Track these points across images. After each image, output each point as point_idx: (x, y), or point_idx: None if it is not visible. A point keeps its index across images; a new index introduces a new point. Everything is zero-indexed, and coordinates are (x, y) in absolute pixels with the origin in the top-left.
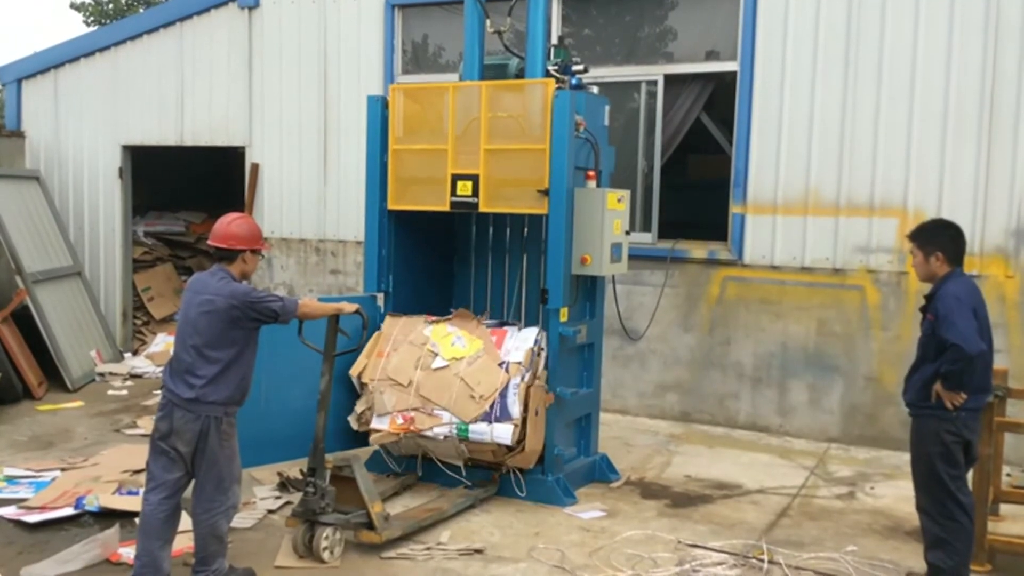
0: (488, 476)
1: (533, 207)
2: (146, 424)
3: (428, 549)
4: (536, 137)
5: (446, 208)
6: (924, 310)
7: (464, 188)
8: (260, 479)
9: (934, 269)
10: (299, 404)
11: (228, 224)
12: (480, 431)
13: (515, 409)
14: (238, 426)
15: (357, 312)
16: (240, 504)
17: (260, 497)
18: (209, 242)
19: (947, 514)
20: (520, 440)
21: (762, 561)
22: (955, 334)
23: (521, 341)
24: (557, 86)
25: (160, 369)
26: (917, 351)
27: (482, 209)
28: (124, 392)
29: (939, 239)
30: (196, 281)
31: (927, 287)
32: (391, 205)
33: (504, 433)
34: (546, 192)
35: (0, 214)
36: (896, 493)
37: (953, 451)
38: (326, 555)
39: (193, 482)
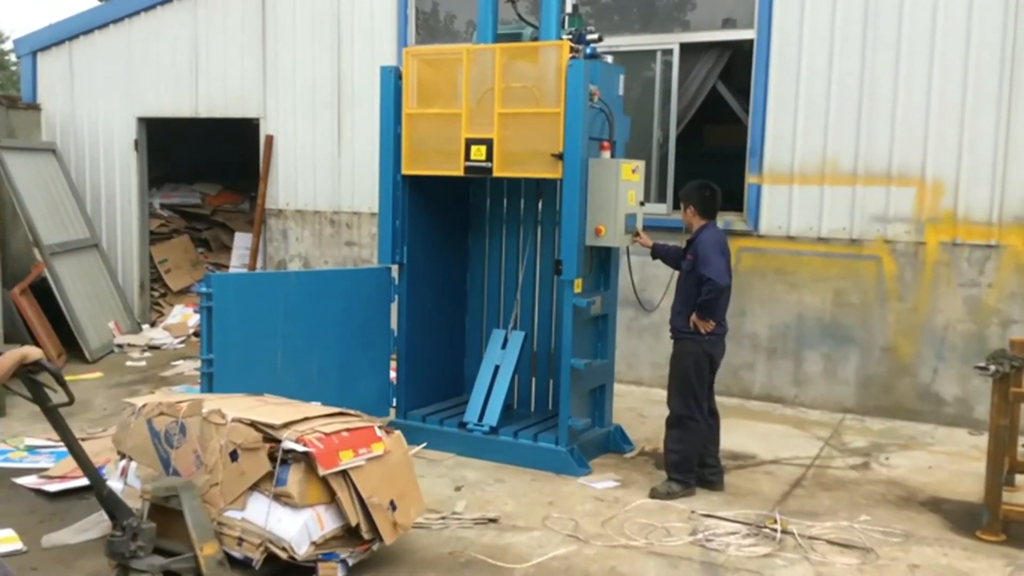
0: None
1: (547, 171)
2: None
3: (443, 518)
4: (551, 101)
5: (460, 173)
6: (684, 252)
7: (478, 153)
8: None
9: (690, 220)
10: (315, 373)
11: None
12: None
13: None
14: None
15: (38, 365)
16: None
17: None
18: None
19: (689, 409)
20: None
21: (775, 531)
22: (710, 270)
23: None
24: (571, 55)
25: (178, 340)
26: (679, 288)
27: (496, 174)
28: (142, 363)
29: (692, 197)
30: None
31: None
32: (405, 170)
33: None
34: (560, 156)
35: (18, 187)
36: (911, 464)
37: (702, 365)
38: None
39: None
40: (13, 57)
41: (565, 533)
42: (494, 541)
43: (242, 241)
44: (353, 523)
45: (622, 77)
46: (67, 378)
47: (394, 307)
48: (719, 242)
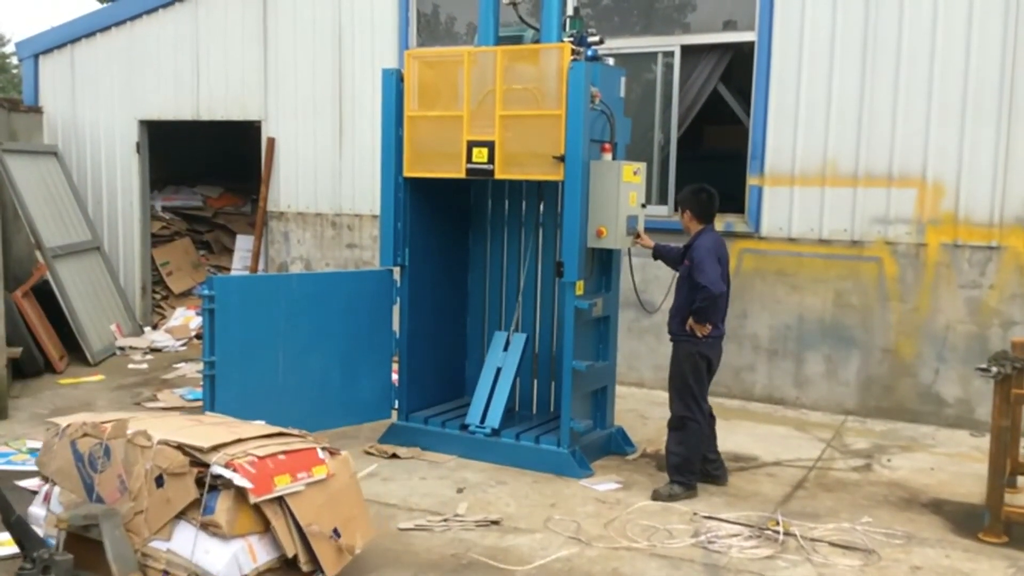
0: None
1: (548, 174)
2: (166, 397)
3: (445, 520)
4: (552, 103)
5: (462, 175)
6: (682, 256)
7: (480, 155)
8: None
9: (687, 224)
10: (317, 376)
11: None
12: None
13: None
14: (256, 399)
15: None
16: None
17: None
18: None
19: (690, 410)
20: None
21: (777, 533)
22: (704, 278)
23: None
24: (572, 57)
25: (180, 343)
26: (677, 291)
27: (497, 176)
28: (144, 366)
29: (689, 201)
30: None
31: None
32: (407, 172)
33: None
34: (562, 158)
35: (20, 189)
36: (912, 465)
37: (700, 367)
38: None
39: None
40: (15, 60)
41: (567, 535)
42: (496, 543)
43: (244, 243)
44: (290, 554)
45: (623, 79)
46: (69, 380)
47: (396, 309)
48: (715, 248)
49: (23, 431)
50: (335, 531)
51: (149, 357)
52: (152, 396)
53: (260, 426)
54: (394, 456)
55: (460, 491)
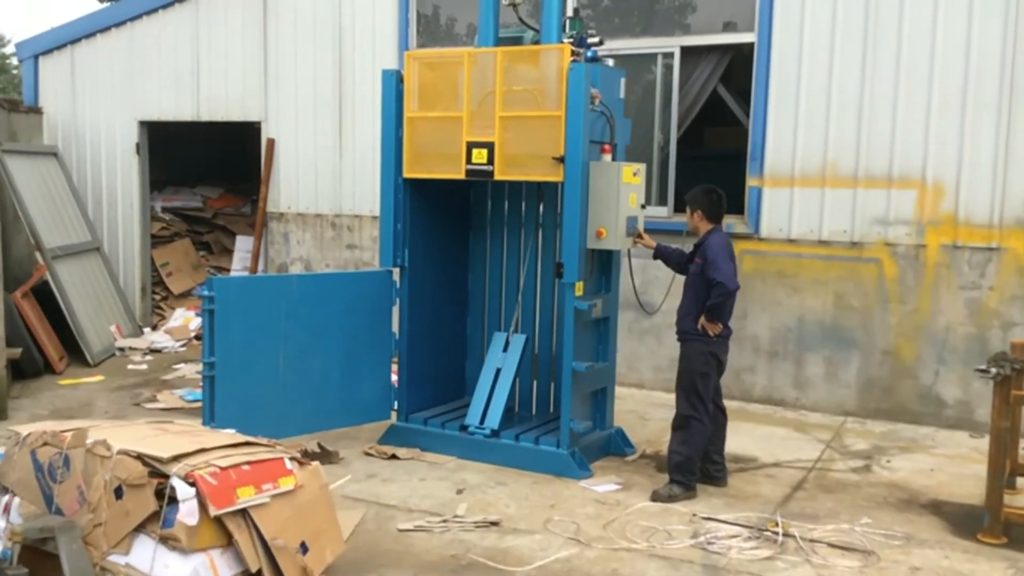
0: None
1: (548, 175)
2: (166, 398)
3: (445, 521)
4: (552, 104)
5: (461, 176)
6: (692, 256)
7: (479, 156)
8: None
9: (697, 224)
10: (317, 377)
11: None
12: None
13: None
14: (256, 400)
15: None
16: None
17: None
18: None
19: (695, 409)
20: None
21: (776, 534)
22: (719, 274)
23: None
24: (572, 58)
25: (180, 344)
26: (687, 291)
27: (497, 177)
28: (144, 366)
29: (700, 201)
30: None
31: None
32: (406, 173)
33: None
34: (561, 159)
35: (19, 190)
36: (912, 466)
37: (710, 367)
38: None
39: None
40: (15, 60)
41: (566, 536)
42: (495, 544)
43: (243, 244)
44: (253, 569)
45: (623, 80)
46: (69, 381)
47: (395, 310)
48: (727, 246)
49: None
50: (303, 545)
51: (149, 358)
52: (152, 397)
53: (227, 435)
54: (394, 457)
55: (460, 492)
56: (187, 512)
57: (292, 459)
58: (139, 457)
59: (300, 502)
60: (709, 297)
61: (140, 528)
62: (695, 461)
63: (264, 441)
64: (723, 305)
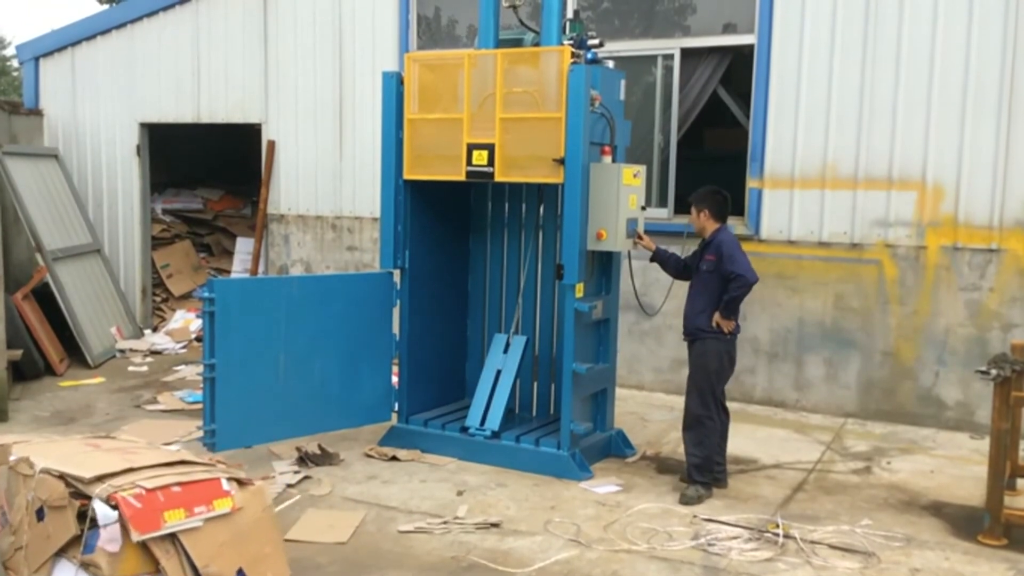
0: None
1: (548, 176)
2: (166, 400)
3: (445, 523)
4: (552, 106)
5: (462, 177)
6: (700, 255)
7: (480, 157)
8: (279, 453)
9: (704, 223)
10: (317, 378)
11: None
12: None
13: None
14: (256, 402)
15: None
16: None
17: (279, 472)
18: None
19: (708, 408)
20: None
21: (777, 535)
22: (738, 267)
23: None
24: (572, 60)
25: (180, 345)
26: (698, 290)
27: (497, 178)
28: (144, 368)
29: (707, 200)
30: None
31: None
32: (407, 175)
33: None
34: (561, 160)
35: (20, 192)
36: (912, 468)
37: (725, 365)
38: None
39: None
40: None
41: (567, 537)
42: (496, 545)
43: (244, 246)
44: None
45: (623, 82)
46: (69, 383)
47: (396, 311)
48: (738, 242)
49: (24, 433)
50: (240, 572)
51: (149, 359)
52: (152, 399)
53: (164, 453)
54: (394, 459)
55: (460, 493)
56: (108, 538)
57: (231, 479)
58: (62, 476)
59: (239, 525)
60: (726, 292)
61: (62, 552)
62: (712, 459)
63: (202, 460)
64: (741, 298)
